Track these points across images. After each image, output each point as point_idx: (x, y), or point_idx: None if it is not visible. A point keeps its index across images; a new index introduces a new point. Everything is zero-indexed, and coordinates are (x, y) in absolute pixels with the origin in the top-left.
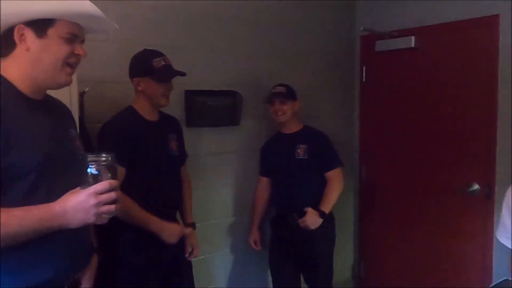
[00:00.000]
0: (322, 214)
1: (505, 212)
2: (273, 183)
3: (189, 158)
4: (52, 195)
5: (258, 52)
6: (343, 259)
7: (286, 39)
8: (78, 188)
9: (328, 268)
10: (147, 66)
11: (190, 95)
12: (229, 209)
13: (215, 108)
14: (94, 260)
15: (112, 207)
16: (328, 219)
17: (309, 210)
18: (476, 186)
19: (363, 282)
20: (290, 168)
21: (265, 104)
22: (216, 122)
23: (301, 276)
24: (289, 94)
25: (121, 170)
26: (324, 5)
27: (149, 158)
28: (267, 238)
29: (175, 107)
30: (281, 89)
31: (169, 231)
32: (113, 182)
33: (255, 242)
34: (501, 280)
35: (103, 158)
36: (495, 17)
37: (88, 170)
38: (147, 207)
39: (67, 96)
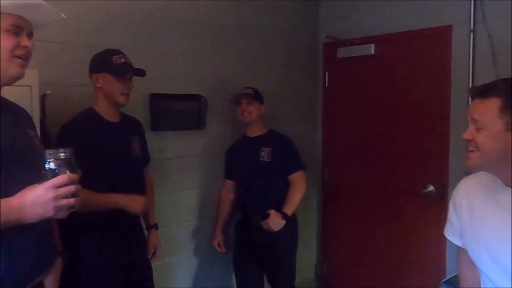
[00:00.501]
0: (285, 216)
1: (451, 211)
2: (238, 185)
3: (154, 162)
4: (11, 191)
5: (224, 56)
6: (307, 259)
7: (251, 45)
8: (37, 184)
9: (291, 268)
10: (106, 61)
11: (155, 98)
12: (193, 212)
13: (180, 111)
14: (59, 262)
15: (72, 200)
16: (291, 221)
17: (272, 212)
18: (431, 187)
19: (326, 282)
20: (254, 171)
21: (232, 104)
22: (181, 125)
23: (265, 277)
24: (256, 96)
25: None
26: (289, 12)
27: (111, 160)
28: (232, 241)
29: (140, 111)
30: (249, 90)
31: (134, 201)
32: (72, 175)
33: (219, 245)
34: (453, 275)
35: (61, 154)
36: (448, 27)
37: (46, 165)
38: (110, 212)
39: (28, 98)
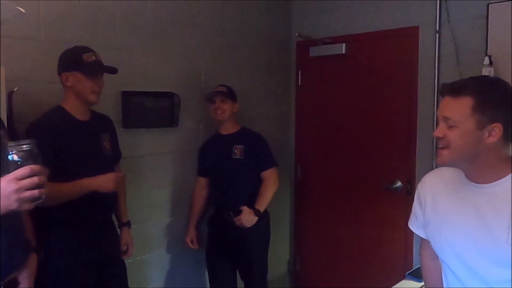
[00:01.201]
0: (257, 213)
1: (416, 204)
2: (211, 182)
3: (127, 159)
4: None
5: (196, 54)
6: (280, 255)
7: (224, 43)
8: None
9: (263, 264)
10: (76, 60)
11: (127, 96)
12: (166, 210)
13: (152, 109)
14: (33, 259)
15: (36, 192)
16: (263, 217)
17: (245, 208)
18: (398, 183)
19: (299, 277)
20: (227, 168)
21: (206, 101)
22: (153, 123)
23: (237, 273)
24: (230, 94)
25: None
26: (261, 10)
27: (81, 157)
28: (204, 237)
29: (111, 108)
30: (223, 88)
31: (104, 180)
32: (35, 167)
33: (191, 241)
34: (417, 267)
35: (24, 145)
36: (415, 28)
37: (9, 157)
38: (81, 209)
39: None
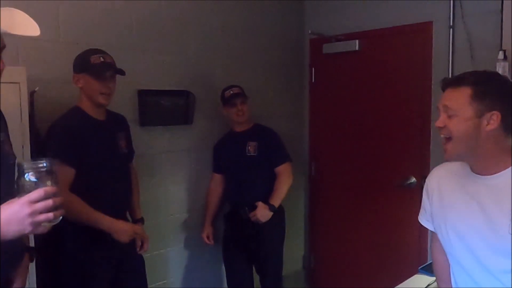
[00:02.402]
0: (272, 208)
1: (424, 197)
2: (226, 179)
3: (143, 157)
4: None
5: (211, 53)
6: (295, 251)
7: (237, 42)
8: (15, 199)
9: (278, 259)
10: (84, 62)
11: (143, 95)
12: (182, 206)
13: (168, 107)
14: (26, 259)
15: (50, 215)
16: (278, 212)
17: (260, 204)
18: (413, 179)
19: (314, 272)
20: (241, 164)
21: (224, 105)
22: (169, 121)
23: (253, 268)
24: (246, 94)
25: (70, 171)
26: (274, 9)
27: (99, 157)
28: (220, 233)
29: (128, 107)
30: (237, 89)
31: (121, 230)
32: (49, 189)
33: (207, 237)
34: (430, 262)
35: (41, 164)
36: (429, 23)
37: (26, 177)
38: (97, 206)
39: (17, 95)
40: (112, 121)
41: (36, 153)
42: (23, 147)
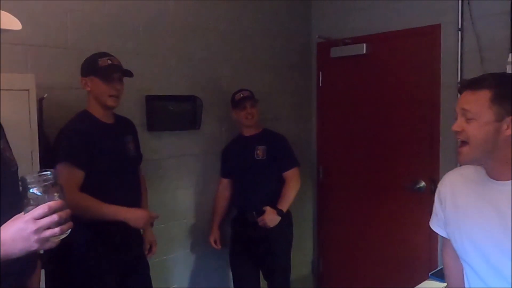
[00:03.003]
0: (280, 212)
1: (436, 203)
2: (234, 183)
3: (151, 161)
4: None
5: (218, 57)
6: (303, 255)
7: (245, 46)
8: (21, 214)
9: (286, 264)
10: (92, 65)
11: (151, 100)
12: (190, 210)
13: (175, 112)
14: (39, 265)
15: (56, 230)
16: (286, 217)
17: (268, 208)
18: (422, 183)
19: (322, 277)
20: (249, 169)
21: (234, 109)
22: (176, 126)
23: (261, 273)
24: (255, 98)
25: (80, 173)
26: (281, 13)
27: (108, 160)
28: (227, 238)
29: (136, 112)
30: (247, 93)
31: (136, 217)
32: (53, 204)
33: (215, 241)
34: (440, 267)
35: (45, 177)
36: (437, 26)
37: (30, 191)
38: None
39: (26, 102)
40: (120, 124)
41: (45, 159)
42: (32, 153)
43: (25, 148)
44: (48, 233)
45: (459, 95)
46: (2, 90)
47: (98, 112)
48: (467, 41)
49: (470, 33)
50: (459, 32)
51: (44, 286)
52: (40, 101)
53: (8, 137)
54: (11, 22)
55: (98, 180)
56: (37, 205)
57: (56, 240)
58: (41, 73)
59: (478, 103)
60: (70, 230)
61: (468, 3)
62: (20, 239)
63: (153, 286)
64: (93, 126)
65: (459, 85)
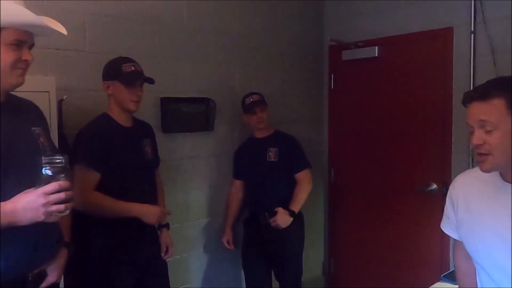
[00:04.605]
0: (292, 213)
1: (448, 205)
2: (246, 185)
3: (165, 163)
4: (10, 193)
5: (231, 60)
6: (314, 256)
7: (257, 48)
8: (32, 189)
9: (297, 264)
10: (116, 70)
11: (166, 102)
12: (203, 211)
13: (189, 114)
14: (63, 253)
15: (62, 206)
16: (298, 218)
17: (280, 210)
18: (434, 186)
19: (333, 278)
20: (261, 170)
21: (245, 113)
22: (190, 127)
23: (272, 273)
24: (265, 101)
25: (95, 175)
26: (293, 16)
27: (125, 163)
28: (240, 238)
29: (151, 114)
30: (257, 97)
31: (149, 212)
32: (63, 183)
33: (228, 242)
34: (453, 270)
35: (58, 160)
36: (449, 29)
37: (43, 171)
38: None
39: (46, 103)
40: (138, 128)
41: None
42: None
43: None
44: (54, 208)
45: (466, 106)
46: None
47: (117, 116)
48: (479, 44)
49: (483, 36)
50: (472, 35)
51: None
52: (59, 103)
53: None
54: (59, 27)
55: (115, 183)
56: (46, 183)
57: (59, 215)
58: (60, 75)
59: (496, 112)
60: (69, 211)
61: (481, 5)
62: (30, 210)
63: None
64: (111, 129)
65: (464, 97)
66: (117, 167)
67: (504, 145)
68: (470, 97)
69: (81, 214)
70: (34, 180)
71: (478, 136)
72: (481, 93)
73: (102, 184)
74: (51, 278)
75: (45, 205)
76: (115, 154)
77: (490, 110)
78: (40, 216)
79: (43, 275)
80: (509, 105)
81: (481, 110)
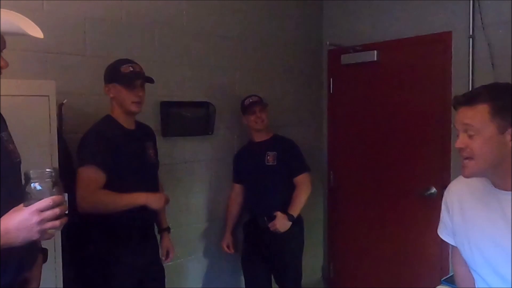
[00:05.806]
0: (290, 218)
1: (444, 212)
2: (245, 189)
3: (165, 166)
4: None
5: (230, 64)
6: (314, 260)
7: (256, 52)
8: (21, 205)
9: (297, 268)
10: (115, 72)
11: (166, 106)
12: (203, 215)
13: (189, 118)
14: (40, 259)
15: (57, 223)
16: (297, 222)
17: (278, 214)
18: (433, 189)
19: (333, 282)
20: (260, 174)
21: (244, 114)
22: (190, 132)
23: (272, 277)
24: (265, 103)
25: (102, 176)
26: (293, 21)
27: (129, 165)
28: (240, 242)
29: (151, 118)
30: (256, 98)
31: (154, 198)
32: (57, 198)
33: (228, 246)
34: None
35: (47, 174)
36: (448, 33)
37: (32, 185)
38: (128, 214)
39: (46, 108)
40: (141, 131)
41: (63, 162)
42: (51, 157)
43: (44, 153)
44: (49, 225)
45: (455, 110)
46: (23, 96)
47: (120, 118)
48: (478, 48)
49: (482, 41)
50: (470, 39)
51: (62, 283)
52: (59, 107)
53: (28, 141)
54: (35, 30)
55: (118, 185)
56: (37, 199)
57: (53, 232)
58: (60, 79)
59: (479, 118)
60: (63, 226)
61: (479, 10)
62: (24, 229)
63: None
64: (116, 131)
65: (453, 101)
66: (121, 169)
67: (485, 151)
68: (458, 102)
69: (81, 215)
70: (16, 195)
71: (461, 140)
72: (468, 98)
73: (107, 186)
74: (34, 284)
75: (40, 223)
76: (120, 156)
77: (474, 115)
78: (34, 235)
79: (26, 282)
80: (492, 112)
81: (466, 115)
